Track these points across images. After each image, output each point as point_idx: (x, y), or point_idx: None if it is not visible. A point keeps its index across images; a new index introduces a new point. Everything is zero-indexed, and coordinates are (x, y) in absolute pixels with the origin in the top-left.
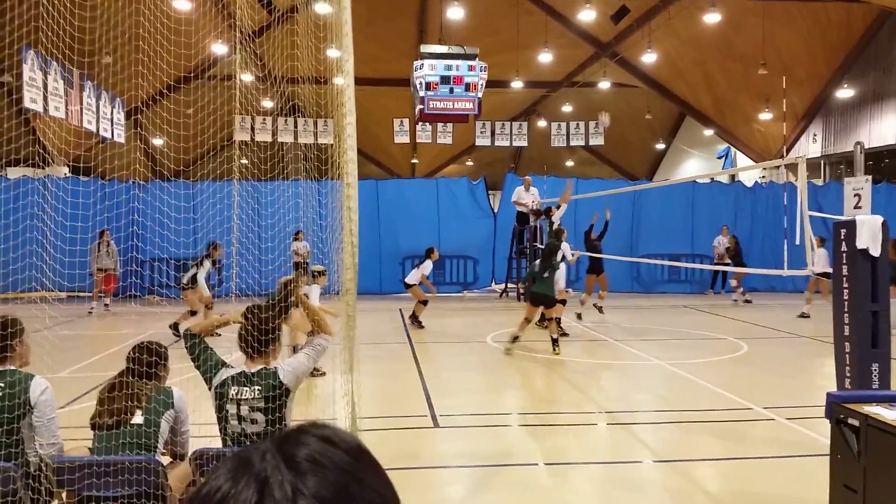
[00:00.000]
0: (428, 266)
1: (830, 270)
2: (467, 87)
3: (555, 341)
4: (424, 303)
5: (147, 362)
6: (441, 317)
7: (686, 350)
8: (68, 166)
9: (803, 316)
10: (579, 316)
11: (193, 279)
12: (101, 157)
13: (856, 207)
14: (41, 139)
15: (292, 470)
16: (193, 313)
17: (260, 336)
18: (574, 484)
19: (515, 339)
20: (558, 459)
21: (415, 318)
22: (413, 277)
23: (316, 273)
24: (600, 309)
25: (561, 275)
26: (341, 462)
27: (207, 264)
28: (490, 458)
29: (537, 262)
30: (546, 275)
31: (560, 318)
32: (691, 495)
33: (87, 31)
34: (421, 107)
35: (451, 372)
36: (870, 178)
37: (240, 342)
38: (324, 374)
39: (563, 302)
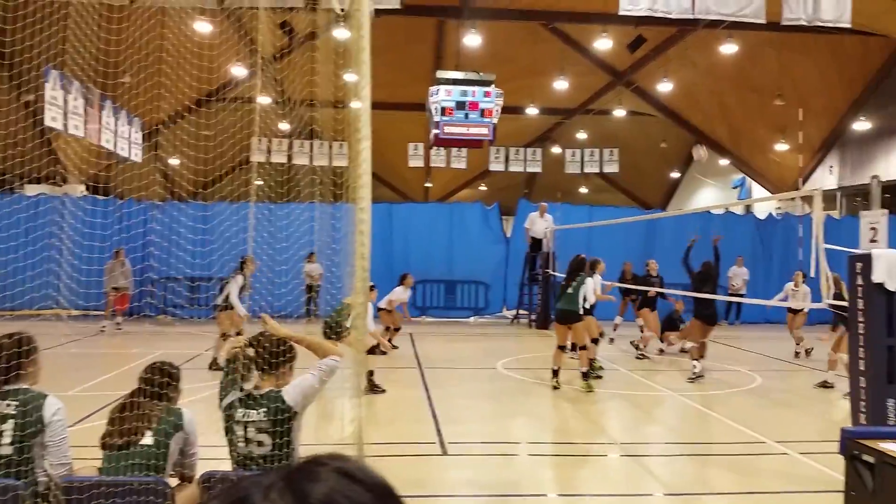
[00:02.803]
0: (398, 293)
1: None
2: (482, 112)
3: (584, 375)
4: (397, 329)
5: (159, 383)
6: (452, 342)
7: (699, 381)
8: (86, 185)
9: (807, 351)
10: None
11: (227, 299)
12: (118, 176)
13: (872, 241)
14: (60, 158)
15: None
16: (226, 337)
17: (272, 357)
18: None
19: (556, 372)
20: (568, 490)
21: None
22: (384, 302)
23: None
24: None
25: (589, 290)
26: (364, 499)
27: (240, 279)
28: (498, 487)
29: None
30: (570, 290)
31: (586, 348)
32: None
33: (109, 52)
34: (436, 131)
35: (461, 398)
36: (886, 211)
37: (254, 362)
38: (384, 391)
39: (596, 341)
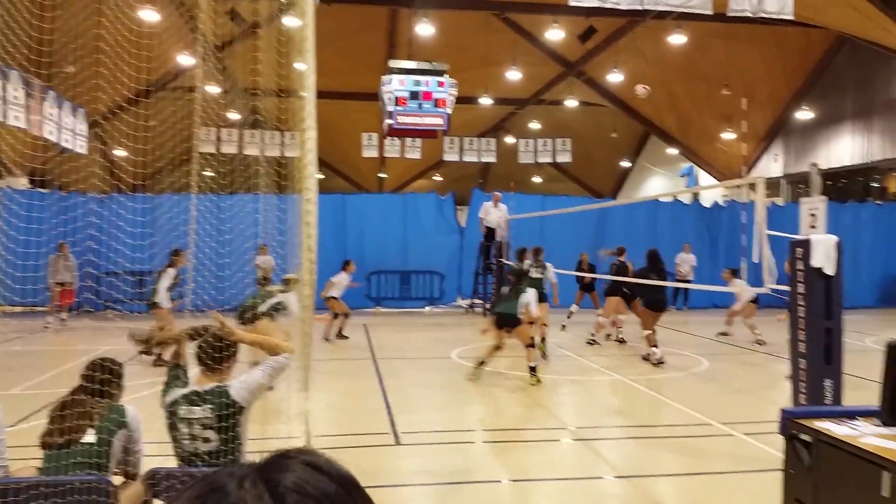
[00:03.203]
0: (343, 278)
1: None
2: (436, 102)
3: (532, 370)
4: (346, 315)
5: (100, 380)
6: (406, 332)
7: (647, 366)
8: (28, 178)
9: (724, 334)
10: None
11: (168, 289)
12: (61, 168)
13: (811, 227)
14: (0, 150)
15: (276, 499)
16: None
17: (215, 353)
18: (536, 500)
19: (481, 363)
20: (520, 476)
21: (340, 333)
22: (333, 290)
23: (290, 280)
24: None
25: (531, 297)
26: (330, 492)
27: (171, 273)
28: (452, 475)
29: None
30: (511, 295)
31: (533, 344)
32: None
33: (49, 41)
34: (389, 122)
35: (415, 388)
36: (825, 198)
37: (196, 358)
38: (271, 388)
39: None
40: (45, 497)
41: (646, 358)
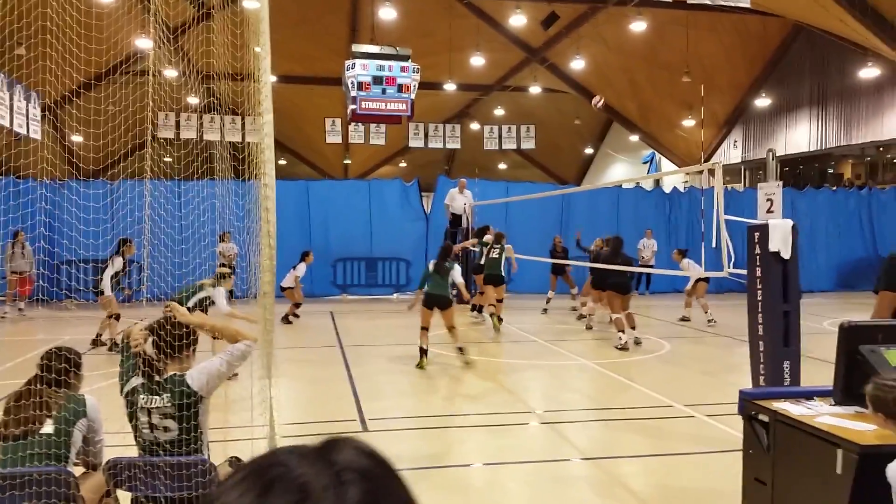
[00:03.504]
0: (301, 269)
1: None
2: (400, 88)
3: (460, 350)
4: (297, 305)
5: (58, 369)
6: (373, 319)
7: (611, 349)
8: None
9: (684, 319)
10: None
11: (113, 278)
12: (13, 154)
13: (768, 212)
14: None
15: (333, 476)
16: (118, 317)
17: (173, 341)
18: (504, 483)
19: (423, 352)
20: (488, 460)
21: (286, 317)
22: (288, 280)
23: (221, 276)
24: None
25: (457, 277)
26: (377, 472)
27: (118, 262)
28: (420, 460)
29: (431, 262)
30: (442, 276)
31: (455, 328)
32: (615, 491)
33: None
34: (353, 107)
35: (382, 375)
36: (780, 183)
37: (153, 347)
38: (235, 375)
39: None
40: (3, 489)
41: (622, 348)
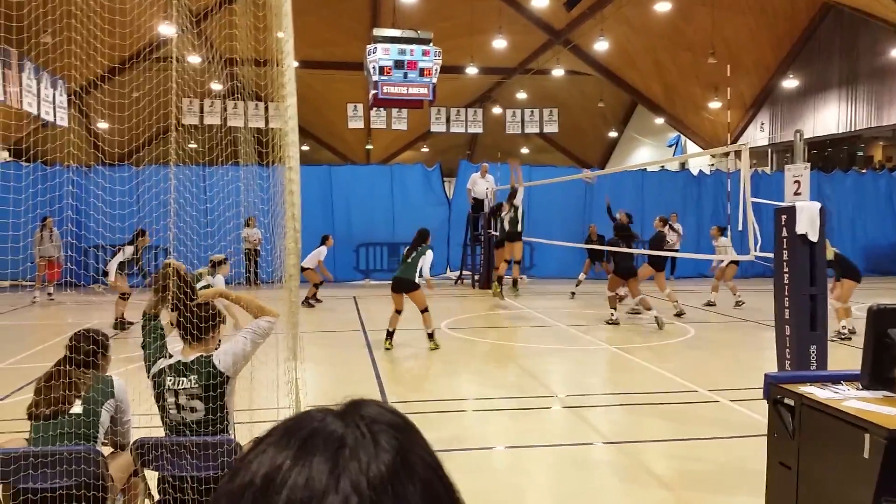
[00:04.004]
0: (323, 252)
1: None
2: (421, 72)
3: (430, 336)
4: (317, 285)
5: (86, 350)
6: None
7: (634, 334)
8: (8, 150)
9: (710, 304)
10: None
11: (121, 266)
12: (42, 140)
13: (795, 194)
14: None
15: (366, 428)
16: (126, 297)
17: (199, 322)
18: (526, 466)
19: (390, 334)
20: (511, 443)
21: (307, 301)
22: (309, 261)
23: (215, 262)
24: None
25: (427, 262)
26: (400, 424)
27: (129, 251)
28: (443, 442)
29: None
30: (410, 259)
31: (427, 311)
32: (639, 475)
33: (22, 6)
34: (375, 91)
35: (405, 359)
36: (808, 164)
37: (178, 329)
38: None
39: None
40: (35, 467)
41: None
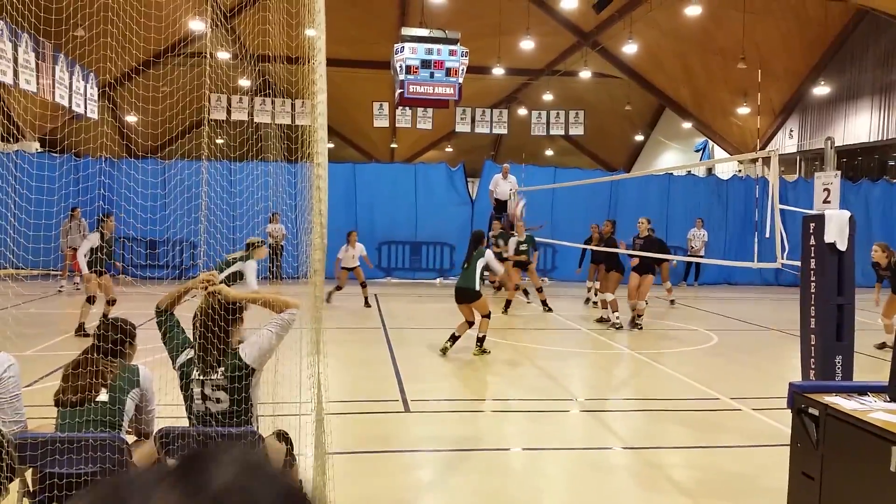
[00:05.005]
0: (342, 250)
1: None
2: (448, 72)
3: (480, 340)
4: (339, 288)
5: (113, 339)
6: (417, 303)
7: (656, 340)
8: (39, 141)
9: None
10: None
11: (93, 254)
12: (72, 132)
13: (824, 202)
14: (10, 113)
15: None
16: (92, 300)
17: (225, 315)
18: (543, 468)
19: (454, 338)
20: (528, 445)
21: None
22: (352, 260)
23: (252, 245)
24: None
25: (492, 260)
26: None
27: (95, 237)
28: (461, 442)
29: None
30: (468, 266)
31: (490, 316)
32: (657, 481)
33: (56, 1)
34: (401, 90)
35: (425, 358)
36: (838, 172)
37: (203, 319)
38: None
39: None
40: (62, 453)
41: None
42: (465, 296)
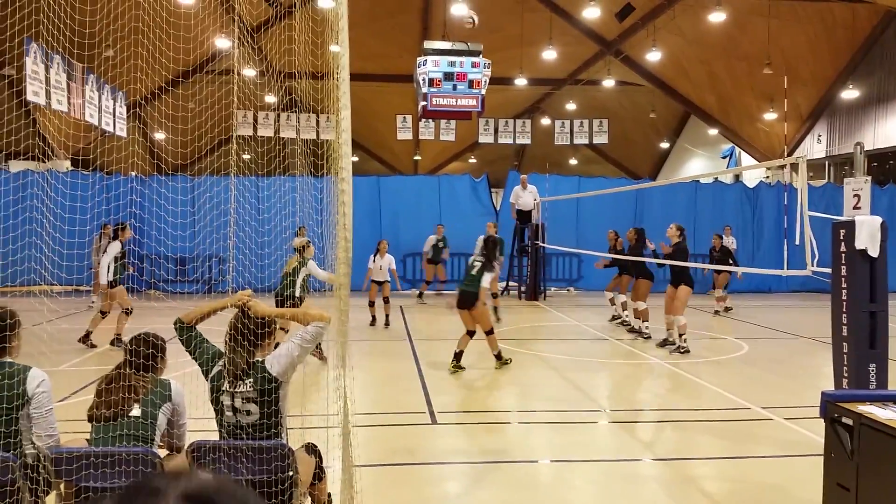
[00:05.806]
0: (391, 260)
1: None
2: (471, 83)
3: (497, 356)
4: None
5: (145, 354)
6: (442, 315)
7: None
8: (70, 160)
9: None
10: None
11: (116, 261)
12: (102, 150)
13: (855, 208)
14: (42, 132)
15: None
16: (130, 312)
17: (256, 329)
18: (572, 481)
19: (458, 356)
20: (556, 457)
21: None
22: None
23: (302, 248)
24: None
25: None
26: None
27: (116, 247)
28: (488, 454)
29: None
30: (475, 272)
31: (492, 332)
32: (689, 493)
33: (87, 23)
34: (424, 103)
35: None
36: (869, 178)
37: (233, 333)
38: (325, 358)
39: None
40: (95, 467)
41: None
42: (466, 300)
